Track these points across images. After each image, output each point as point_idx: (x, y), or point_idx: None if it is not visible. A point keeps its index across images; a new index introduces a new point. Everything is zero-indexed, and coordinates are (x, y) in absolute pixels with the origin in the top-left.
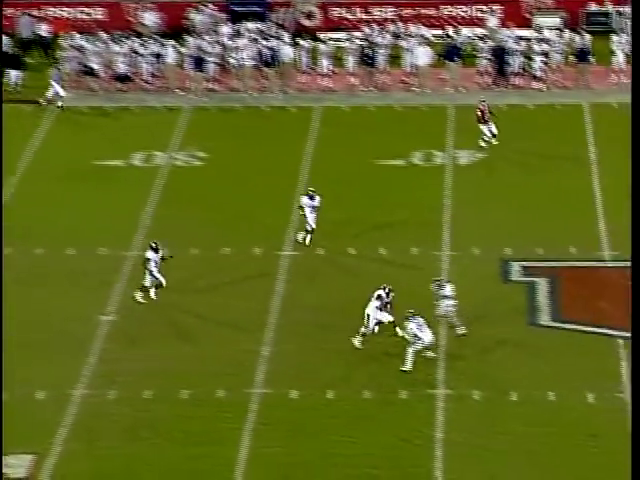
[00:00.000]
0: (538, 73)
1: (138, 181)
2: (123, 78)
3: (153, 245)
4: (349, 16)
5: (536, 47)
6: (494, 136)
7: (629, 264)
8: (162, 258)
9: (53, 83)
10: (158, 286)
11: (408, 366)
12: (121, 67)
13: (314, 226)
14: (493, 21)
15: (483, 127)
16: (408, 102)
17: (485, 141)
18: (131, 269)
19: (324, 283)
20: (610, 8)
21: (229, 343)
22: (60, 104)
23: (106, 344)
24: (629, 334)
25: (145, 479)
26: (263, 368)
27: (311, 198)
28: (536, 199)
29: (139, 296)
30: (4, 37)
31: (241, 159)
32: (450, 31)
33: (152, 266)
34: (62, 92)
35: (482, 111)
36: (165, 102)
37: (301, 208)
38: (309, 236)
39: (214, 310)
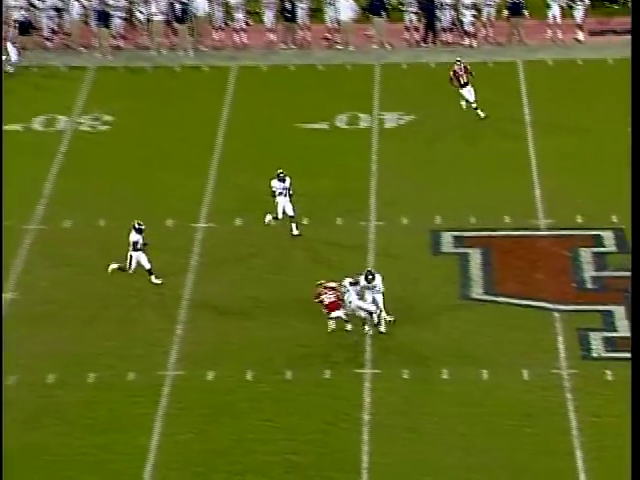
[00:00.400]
0: (469, 28)
1: (39, 147)
2: (24, 28)
3: (137, 226)
4: None
5: (466, 0)
6: (471, 102)
7: (565, 233)
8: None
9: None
10: (123, 269)
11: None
12: (19, 17)
13: (292, 213)
14: None
15: (463, 91)
16: (331, 61)
17: (473, 108)
18: (31, 243)
19: (241, 258)
20: None
21: (139, 322)
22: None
23: (6, 324)
24: (566, 307)
25: (49, 470)
26: (176, 348)
27: (282, 180)
28: (468, 164)
29: (154, 279)
30: None
31: (151, 123)
32: None
33: (133, 249)
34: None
35: (456, 73)
36: (68, 61)
37: (272, 193)
38: (294, 225)
39: (123, 287)
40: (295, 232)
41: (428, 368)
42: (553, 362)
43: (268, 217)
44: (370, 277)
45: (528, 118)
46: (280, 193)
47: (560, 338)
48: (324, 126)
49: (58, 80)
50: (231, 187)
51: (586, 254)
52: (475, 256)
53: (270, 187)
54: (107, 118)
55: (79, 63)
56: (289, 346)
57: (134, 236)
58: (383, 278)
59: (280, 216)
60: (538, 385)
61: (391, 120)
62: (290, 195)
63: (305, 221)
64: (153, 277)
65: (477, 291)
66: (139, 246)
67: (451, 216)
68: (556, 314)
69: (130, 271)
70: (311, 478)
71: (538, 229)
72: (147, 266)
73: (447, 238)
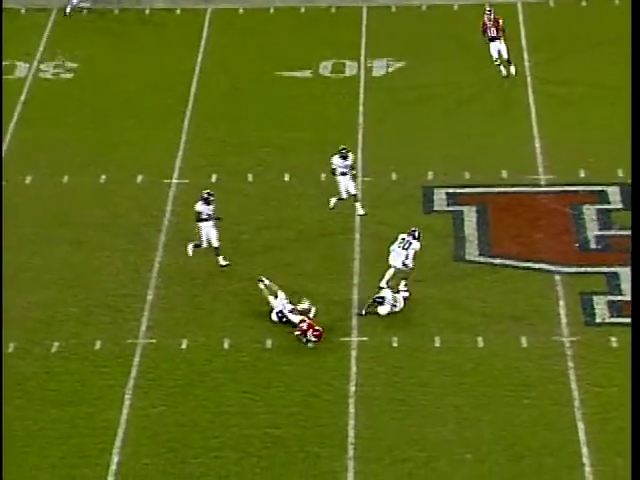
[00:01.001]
0: None
1: None
2: None
3: (205, 196)
4: None
5: None
6: (502, 59)
7: (567, 188)
8: (217, 218)
9: None
10: (197, 245)
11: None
12: None
13: (355, 192)
14: None
15: (490, 45)
16: (314, 2)
17: (496, 65)
18: None
19: (218, 216)
20: None
21: (106, 286)
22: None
23: None
24: (567, 269)
25: (8, 446)
26: (147, 315)
27: (344, 157)
28: (462, 115)
29: (222, 260)
30: None
31: (118, 71)
32: None
33: (197, 219)
34: None
35: (485, 25)
36: (28, 2)
37: (333, 171)
38: (358, 204)
39: (88, 248)
40: (361, 212)
41: (419, 336)
42: (554, 328)
43: (333, 200)
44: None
45: (527, 64)
46: (343, 172)
47: (561, 302)
48: (307, 74)
49: (17, 23)
50: (206, 140)
51: (590, 211)
52: (470, 214)
53: (330, 164)
54: (70, 65)
55: (41, 5)
56: (269, 312)
57: (200, 206)
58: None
59: (344, 196)
60: (537, 353)
61: (380, 67)
62: (354, 174)
63: (287, 177)
64: (220, 258)
65: (472, 252)
66: (204, 216)
67: (444, 171)
68: (557, 277)
69: (204, 245)
70: (293, 454)
71: (538, 185)
72: (215, 244)
73: (440, 195)
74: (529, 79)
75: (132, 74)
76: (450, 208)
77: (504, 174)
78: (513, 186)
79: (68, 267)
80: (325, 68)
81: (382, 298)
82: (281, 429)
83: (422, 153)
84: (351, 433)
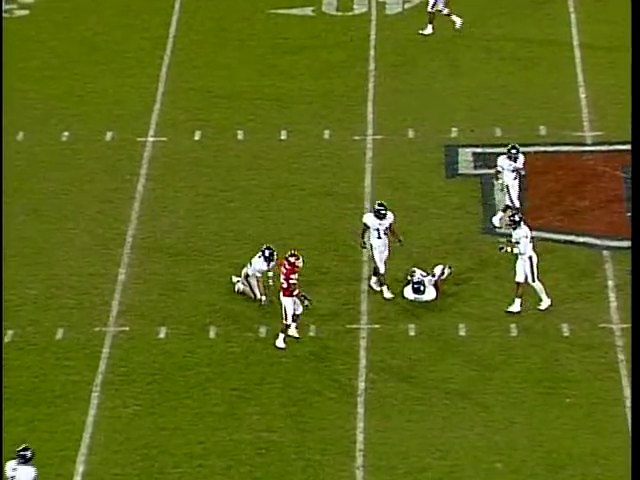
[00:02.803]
0: None
1: None
2: None
3: (266, 253)
4: None
5: None
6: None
7: (618, 147)
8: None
9: None
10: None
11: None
12: None
13: (518, 203)
14: None
15: None
16: None
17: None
18: None
19: (200, 181)
20: None
21: (70, 264)
22: None
23: None
24: (618, 243)
25: None
26: (118, 298)
27: (513, 159)
28: (492, 59)
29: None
30: None
31: (83, 8)
32: None
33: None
34: None
35: None
36: None
37: (497, 173)
38: (517, 216)
39: (48, 221)
40: (499, 222)
41: (440, 323)
42: (601, 314)
43: (499, 215)
44: None
45: (571, 2)
46: (516, 177)
47: (610, 283)
48: (307, 12)
49: None
50: (187, 91)
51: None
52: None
53: (495, 167)
54: (26, 0)
55: None
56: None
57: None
58: (385, 207)
59: (517, 204)
60: (581, 343)
61: (394, 4)
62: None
63: (283, 134)
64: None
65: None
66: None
67: (470, 127)
68: (605, 252)
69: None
70: (291, 462)
71: (583, 143)
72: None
73: (465, 156)
74: (572, 16)
75: (100, 11)
76: (478, 171)
77: (542, 130)
78: (553, 145)
79: (24, 241)
80: (330, 5)
81: (419, 283)
82: (277, 433)
83: (444, 106)
84: (359, 438)
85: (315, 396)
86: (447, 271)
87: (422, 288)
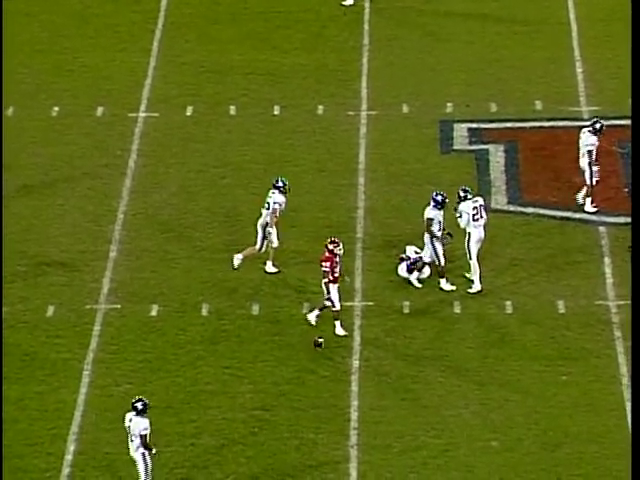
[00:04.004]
0: None
1: None
2: None
3: (280, 185)
4: None
5: None
6: None
7: (615, 122)
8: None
9: None
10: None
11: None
12: None
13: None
14: None
15: None
16: None
17: None
18: None
19: (192, 157)
20: None
21: (61, 240)
22: None
23: None
24: (615, 219)
25: None
26: (109, 275)
27: (596, 132)
28: (488, 33)
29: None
30: None
31: None
32: None
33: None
34: None
35: None
36: None
37: (590, 152)
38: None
39: (38, 195)
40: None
41: (435, 300)
42: (598, 290)
43: (581, 194)
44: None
45: None
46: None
47: (607, 260)
48: None
49: None
50: (179, 65)
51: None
52: (497, 154)
53: (587, 145)
54: None
55: None
56: (256, 270)
57: (277, 197)
58: (377, 183)
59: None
60: (578, 320)
61: None
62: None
63: (276, 110)
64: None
65: (499, 200)
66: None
67: (466, 102)
68: (602, 228)
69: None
70: (285, 440)
71: (579, 118)
72: (274, 244)
73: (461, 131)
74: None
75: None
76: (473, 147)
77: (538, 105)
78: (549, 120)
79: (14, 218)
80: None
81: (414, 263)
82: (270, 411)
83: (439, 80)
84: (354, 416)
85: (309, 374)
86: (448, 237)
87: (416, 267)
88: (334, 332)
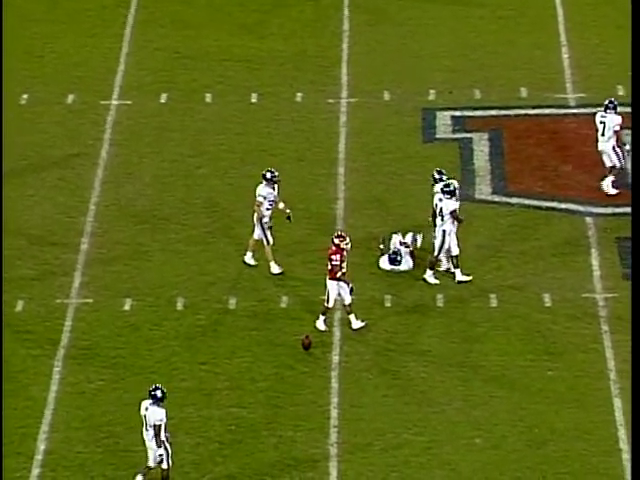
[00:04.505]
0: None
1: None
2: None
3: (267, 176)
4: None
5: None
6: None
7: (599, 110)
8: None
9: None
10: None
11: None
12: None
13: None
14: None
15: None
16: None
17: None
18: None
19: (167, 146)
20: None
21: (30, 232)
22: None
23: None
24: (602, 209)
25: None
26: (80, 268)
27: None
28: (472, 17)
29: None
30: None
31: None
32: None
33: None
34: None
35: None
36: None
37: (616, 135)
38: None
39: (7, 185)
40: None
41: (417, 293)
42: (584, 283)
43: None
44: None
45: None
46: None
47: (594, 251)
48: None
49: None
50: (153, 51)
51: (630, 138)
52: (481, 143)
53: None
54: None
55: None
56: (233, 263)
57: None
58: (358, 174)
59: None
60: (564, 313)
61: None
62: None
63: (254, 98)
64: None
65: (483, 190)
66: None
67: (449, 89)
68: (589, 219)
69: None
70: (263, 439)
71: (566, 105)
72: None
73: (444, 119)
74: None
75: None
76: (456, 135)
77: (523, 92)
78: (535, 107)
79: None
80: None
81: (396, 253)
82: (247, 409)
83: (422, 67)
84: (334, 413)
85: (287, 370)
86: (419, 239)
87: (399, 258)
88: (314, 325)
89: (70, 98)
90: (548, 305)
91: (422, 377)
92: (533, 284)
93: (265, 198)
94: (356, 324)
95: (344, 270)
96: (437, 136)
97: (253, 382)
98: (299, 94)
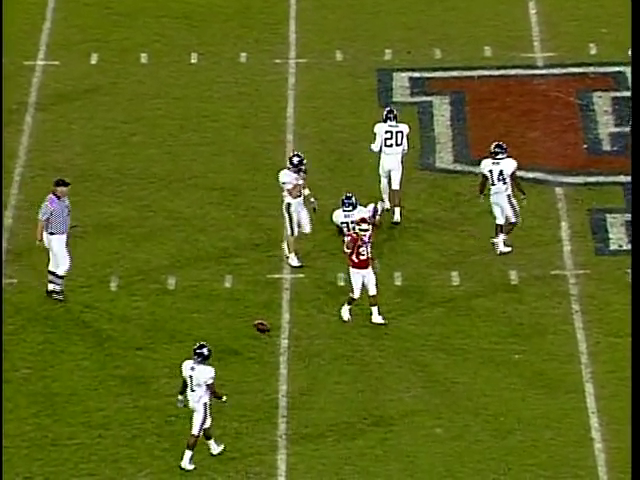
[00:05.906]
0: None
1: None
2: None
3: (295, 160)
4: None
5: None
6: None
7: (573, 70)
8: None
9: None
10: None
11: None
12: None
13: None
14: None
15: None
16: None
17: None
18: None
19: (98, 111)
20: None
21: None
22: None
23: None
24: (572, 179)
25: None
26: (6, 245)
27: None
28: None
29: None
30: None
31: None
32: None
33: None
34: None
35: None
36: None
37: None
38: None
39: None
40: None
41: (381, 271)
42: (553, 259)
43: None
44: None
45: None
46: None
47: (564, 224)
48: None
49: None
50: (82, 6)
51: (603, 101)
52: (442, 107)
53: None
54: None
55: None
56: (172, 240)
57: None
58: (309, 140)
59: None
60: (532, 292)
61: None
62: None
63: (194, 58)
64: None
65: (444, 158)
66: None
67: (407, 48)
68: (558, 189)
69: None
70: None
71: (534, 66)
72: (307, 229)
73: (401, 81)
74: None
75: None
76: (415, 99)
77: (487, 51)
78: (500, 68)
79: None
80: None
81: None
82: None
83: (377, 24)
84: (282, 402)
85: (232, 356)
86: (380, 208)
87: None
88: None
89: None
90: (514, 283)
91: (378, 362)
92: (498, 260)
93: (287, 184)
94: (376, 318)
95: (363, 257)
96: (394, 99)
97: None
98: (243, 54)
